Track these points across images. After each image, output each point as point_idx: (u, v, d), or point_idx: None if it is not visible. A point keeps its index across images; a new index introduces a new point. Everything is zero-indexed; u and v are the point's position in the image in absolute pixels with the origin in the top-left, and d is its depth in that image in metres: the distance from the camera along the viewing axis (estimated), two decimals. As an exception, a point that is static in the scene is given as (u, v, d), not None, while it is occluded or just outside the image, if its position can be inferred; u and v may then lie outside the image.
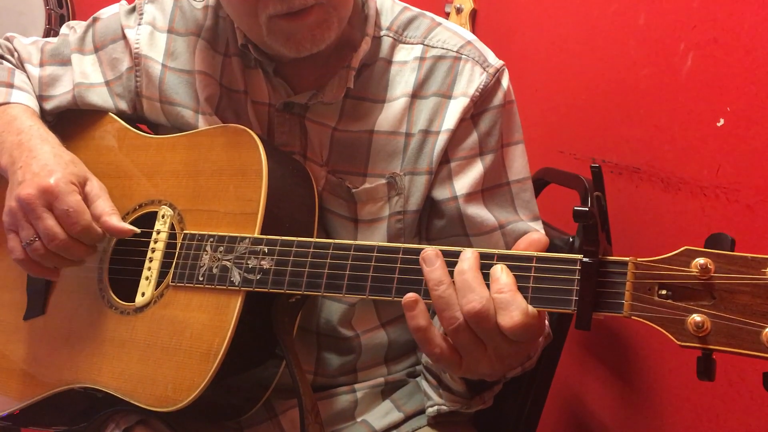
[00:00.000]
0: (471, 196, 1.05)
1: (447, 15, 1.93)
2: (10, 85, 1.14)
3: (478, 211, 1.05)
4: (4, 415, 1.12)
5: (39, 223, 0.98)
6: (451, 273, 0.80)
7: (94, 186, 1.05)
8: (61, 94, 1.18)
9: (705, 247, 0.67)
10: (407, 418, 1.12)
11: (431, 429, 1.08)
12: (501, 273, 0.77)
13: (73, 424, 1.17)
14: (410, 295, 0.80)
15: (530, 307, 0.75)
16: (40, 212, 0.98)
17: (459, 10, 1.89)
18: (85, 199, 1.02)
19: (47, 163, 1.02)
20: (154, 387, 0.96)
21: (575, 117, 1.57)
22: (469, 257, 0.79)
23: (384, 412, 1.13)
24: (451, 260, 0.80)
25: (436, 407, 1.03)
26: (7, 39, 1.24)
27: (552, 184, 1.43)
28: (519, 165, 1.09)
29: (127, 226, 1.02)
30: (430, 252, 0.80)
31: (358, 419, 1.12)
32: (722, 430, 1.13)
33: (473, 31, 1.93)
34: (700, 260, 0.66)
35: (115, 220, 1.01)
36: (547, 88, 1.67)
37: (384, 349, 1.15)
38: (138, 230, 1.03)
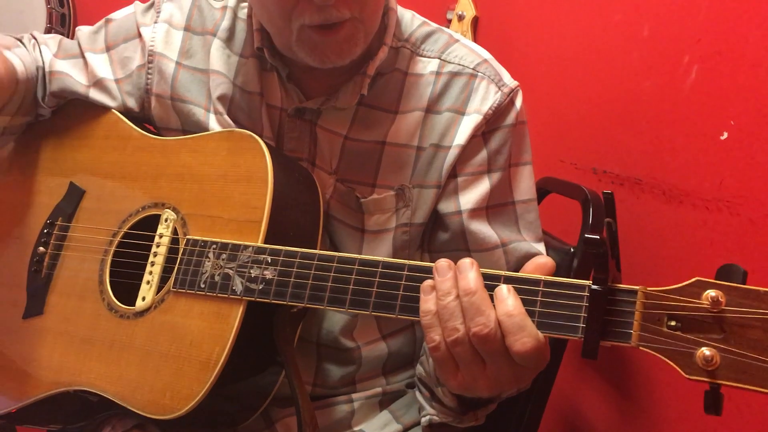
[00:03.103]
0: (475, 212, 1.05)
1: (449, 22, 1.91)
2: (8, 49, 1.14)
3: (481, 228, 1.05)
4: (0, 414, 1.12)
5: None
6: None
7: None
8: (74, 81, 1.17)
9: (716, 278, 0.67)
10: (405, 430, 1.12)
11: (428, 429, 1.07)
12: (509, 294, 0.77)
13: (68, 423, 1.17)
14: (429, 282, 0.81)
15: (540, 333, 0.75)
16: None
17: (461, 17, 1.87)
18: None
19: None
20: (152, 394, 0.96)
21: (576, 126, 1.57)
22: (472, 276, 0.79)
23: (382, 424, 1.12)
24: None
25: (428, 417, 1.03)
26: (30, 34, 1.25)
27: (553, 193, 1.42)
28: (525, 186, 1.09)
29: None
30: (444, 263, 0.81)
31: (356, 428, 1.12)
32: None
33: (474, 38, 1.91)
34: (712, 292, 0.66)
35: None
36: (548, 97, 1.66)
37: (383, 360, 1.15)
38: None
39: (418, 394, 1.07)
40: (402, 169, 1.07)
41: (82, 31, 1.21)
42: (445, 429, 1.06)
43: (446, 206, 1.06)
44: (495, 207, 1.07)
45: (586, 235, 0.65)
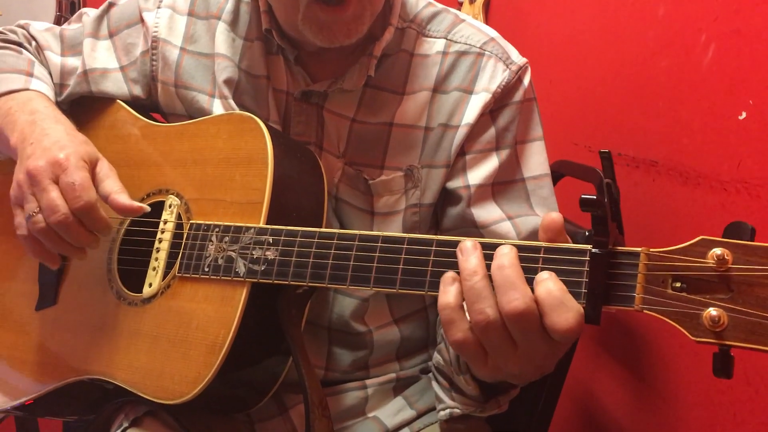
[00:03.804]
0: (481, 188, 1.05)
1: (460, 5, 1.91)
2: (30, 74, 1.13)
3: (485, 204, 1.05)
4: (17, 405, 1.12)
5: (43, 195, 0.95)
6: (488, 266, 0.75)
7: (104, 167, 1.02)
8: (83, 88, 1.17)
9: (723, 237, 0.64)
10: (419, 416, 1.11)
11: (444, 424, 1.05)
12: (547, 275, 0.72)
13: (84, 414, 1.17)
14: (451, 273, 0.76)
15: (580, 307, 0.71)
16: (45, 184, 0.95)
17: (472, 0, 1.87)
18: (94, 179, 0.99)
19: (60, 139, 1.00)
20: (161, 379, 0.95)
21: (590, 109, 1.55)
22: (507, 252, 0.74)
23: (396, 410, 1.11)
24: (487, 253, 0.76)
25: (448, 410, 1.00)
26: (22, 27, 1.24)
27: (567, 176, 1.40)
28: (536, 162, 1.08)
29: (136, 203, 0.98)
30: (468, 243, 0.76)
31: (369, 415, 1.11)
32: (740, 429, 1.10)
33: (486, 21, 1.90)
34: (717, 251, 0.63)
35: (123, 198, 0.98)
36: (561, 79, 1.64)
37: (396, 345, 1.14)
38: (148, 208, 1.00)
39: (435, 384, 1.05)
40: (410, 150, 1.07)
41: (89, 15, 1.21)
42: (465, 422, 1.04)
43: (454, 183, 1.06)
44: (501, 184, 1.06)
45: (582, 196, 0.63)
